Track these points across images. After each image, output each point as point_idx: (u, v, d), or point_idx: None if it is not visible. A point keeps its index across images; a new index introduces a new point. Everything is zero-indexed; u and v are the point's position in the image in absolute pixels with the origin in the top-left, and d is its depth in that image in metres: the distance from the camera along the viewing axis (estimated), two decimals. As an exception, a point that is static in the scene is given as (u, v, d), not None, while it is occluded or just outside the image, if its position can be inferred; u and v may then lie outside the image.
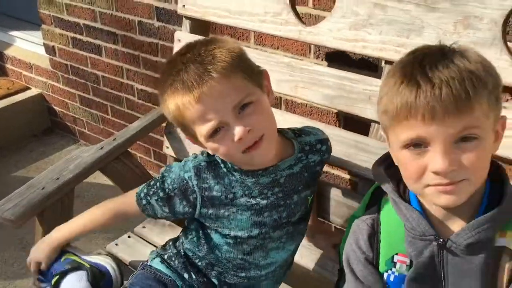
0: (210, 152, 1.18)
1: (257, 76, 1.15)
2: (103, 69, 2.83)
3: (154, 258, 1.35)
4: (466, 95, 0.85)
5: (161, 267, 1.31)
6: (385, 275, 1.06)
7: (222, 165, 1.21)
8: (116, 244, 1.75)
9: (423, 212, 1.01)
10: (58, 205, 1.59)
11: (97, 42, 2.76)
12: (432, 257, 1.00)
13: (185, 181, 1.22)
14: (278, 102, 2.11)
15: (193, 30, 1.73)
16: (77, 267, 1.43)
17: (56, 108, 3.31)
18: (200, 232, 1.29)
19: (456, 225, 0.98)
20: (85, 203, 2.58)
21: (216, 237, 1.26)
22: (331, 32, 1.43)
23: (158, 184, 1.26)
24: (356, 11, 1.38)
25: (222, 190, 1.20)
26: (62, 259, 1.46)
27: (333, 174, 2.06)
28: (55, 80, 3.18)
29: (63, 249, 1.47)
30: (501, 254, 0.96)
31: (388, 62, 1.37)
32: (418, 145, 0.90)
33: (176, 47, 1.75)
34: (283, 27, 1.52)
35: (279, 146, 1.21)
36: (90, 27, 2.75)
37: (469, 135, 0.88)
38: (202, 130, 1.10)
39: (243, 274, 1.28)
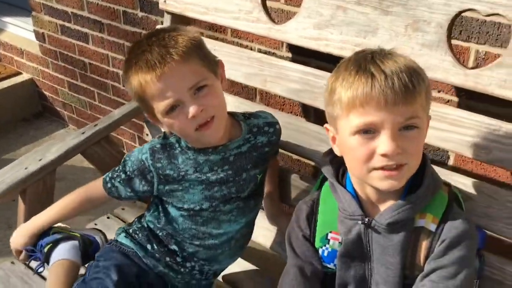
0: (166, 129, 1.32)
1: (213, 64, 1.30)
2: (90, 56, 2.92)
3: (120, 234, 1.47)
4: (412, 86, 0.99)
5: (125, 241, 1.43)
6: (320, 250, 1.19)
7: (177, 145, 1.35)
8: (95, 224, 1.87)
9: (356, 195, 1.13)
10: (40, 184, 1.71)
11: (84, 30, 2.85)
12: (359, 234, 1.13)
13: (142, 162, 1.36)
14: (253, 93, 2.22)
15: (173, 24, 1.83)
16: (68, 237, 1.52)
17: (46, 93, 3.40)
18: (160, 206, 1.42)
19: (384, 206, 1.11)
20: (68, 185, 2.67)
21: (172, 211, 1.39)
22: (297, 31, 1.54)
23: (120, 167, 1.41)
24: (320, 12, 1.49)
25: (175, 169, 1.34)
26: (50, 233, 1.53)
27: (304, 162, 2.18)
28: (45, 66, 3.27)
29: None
30: (420, 234, 1.09)
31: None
32: (368, 131, 1.01)
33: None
34: (255, 24, 1.63)
35: (229, 127, 1.35)
36: (78, 15, 2.84)
37: (412, 124, 1.01)
38: (160, 106, 1.23)
39: (197, 243, 1.40)
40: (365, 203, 1.13)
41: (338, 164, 1.17)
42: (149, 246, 1.41)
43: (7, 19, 3.51)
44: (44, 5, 3.01)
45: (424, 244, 1.09)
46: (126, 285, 1.34)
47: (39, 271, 1.52)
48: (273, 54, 2.02)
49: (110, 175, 1.43)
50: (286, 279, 1.23)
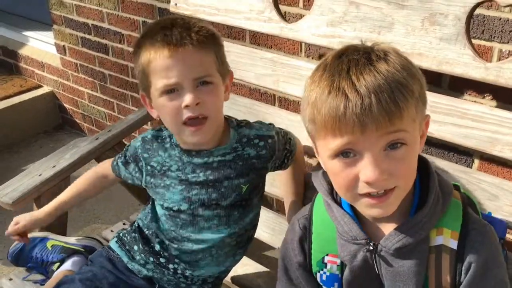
0: (155, 115, 1.30)
1: (225, 68, 1.27)
2: (110, 67, 2.93)
3: (113, 238, 1.47)
4: (396, 106, 0.84)
5: (114, 246, 1.44)
6: (318, 275, 1.08)
7: (168, 139, 1.34)
8: (112, 231, 1.85)
9: (355, 215, 1.00)
10: (54, 191, 1.68)
11: (104, 41, 2.87)
12: (366, 260, 0.99)
13: (135, 149, 1.38)
14: (272, 99, 2.19)
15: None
16: (73, 252, 1.55)
17: (66, 105, 3.43)
18: (150, 204, 1.42)
19: (389, 226, 0.98)
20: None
21: (158, 208, 1.38)
22: (310, 29, 1.50)
23: (124, 151, 1.45)
24: (333, 9, 1.45)
25: (159, 161, 1.33)
26: (49, 246, 1.57)
27: (323, 169, 2.12)
28: (65, 79, 3.30)
29: (43, 237, 1.59)
30: (441, 253, 0.96)
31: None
32: (347, 153, 0.88)
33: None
34: (267, 24, 1.59)
35: (220, 133, 1.30)
36: (98, 27, 2.86)
37: (398, 140, 0.87)
38: (160, 83, 1.19)
39: (175, 246, 1.35)
40: (366, 223, 1.00)
41: None
42: (135, 247, 1.40)
43: (28, 33, 3.57)
44: (65, 18, 3.04)
45: (448, 264, 0.96)
46: None
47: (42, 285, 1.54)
48: (291, 59, 1.99)
49: (117, 156, 1.47)
50: None
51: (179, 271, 1.38)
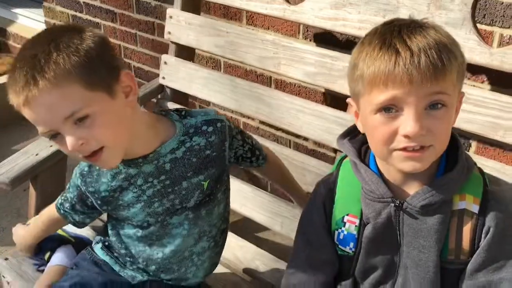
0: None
1: (106, 81, 1.03)
2: (102, 46, 2.89)
3: (97, 243, 1.39)
4: (442, 64, 0.91)
5: (100, 253, 1.36)
6: (336, 233, 1.13)
7: None
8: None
9: (381, 176, 1.06)
10: (51, 171, 1.68)
11: (96, 20, 2.83)
12: (389, 218, 1.06)
13: (78, 188, 1.26)
14: (268, 81, 2.18)
15: (184, 7, 1.79)
16: (64, 241, 1.53)
17: (57, 84, 3.38)
18: (112, 227, 1.32)
19: (412, 189, 1.04)
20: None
21: (128, 228, 1.28)
22: (313, 11, 1.49)
23: (65, 193, 1.32)
24: (337, -9, 1.44)
25: (108, 189, 1.20)
26: None
27: (319, 152, 2.13)
28: (56, 57, 3.24)
29: None
30: (463, 216, 1.03)
31: (365, 40, 1.43)
32: (390, 109, 0.95)
33: (168, 23, 1.82)
34: (269, 5, 1.58)
35: (162, 131, 1.17)
36: (90, 5, 2.81)
37: (439, 101, 0.94)
38: (39, 130, 1.03)
39: (154, 267, 1.30)
40: (391, 184, 1.07)
41: (359, 144, 1.10)
42: (128, 258, 1.33)
43: (17, 10, 3.50)
44: (55, -5, 2.99)
45: (469, 227, 1.03)
46: None
47: (40, 269, 1.54)
48: (288, 41, 1.97)
49: (59, 200, 1.33)
50: (295, 273, 1.17)
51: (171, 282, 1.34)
